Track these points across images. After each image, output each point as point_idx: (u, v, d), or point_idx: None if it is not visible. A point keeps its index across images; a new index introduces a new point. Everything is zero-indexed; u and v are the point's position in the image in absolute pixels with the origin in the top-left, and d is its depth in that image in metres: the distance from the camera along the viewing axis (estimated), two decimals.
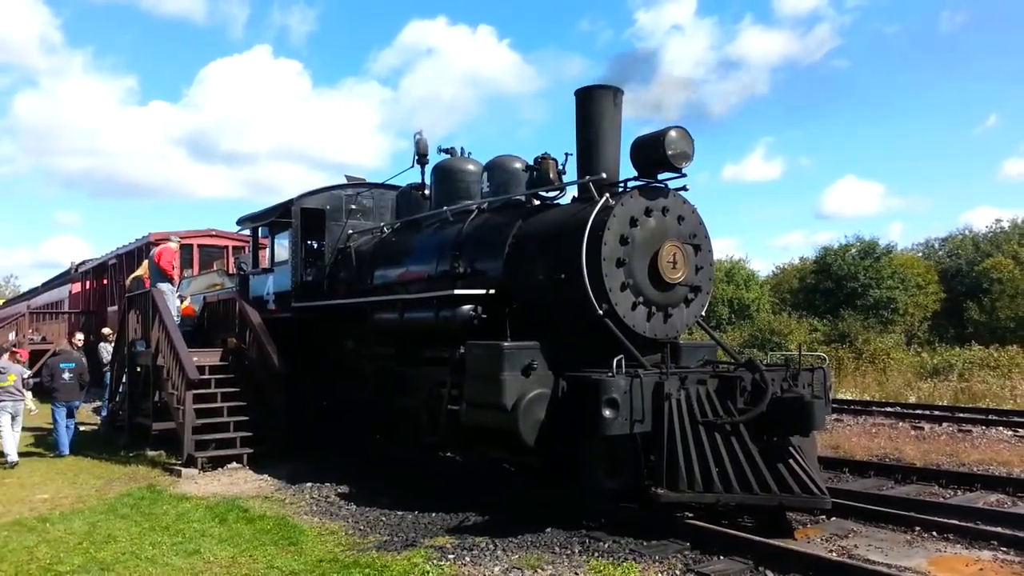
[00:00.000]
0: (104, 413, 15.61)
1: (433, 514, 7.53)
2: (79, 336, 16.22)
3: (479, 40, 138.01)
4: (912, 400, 17.54)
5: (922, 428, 12.83)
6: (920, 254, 48.14)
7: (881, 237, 44.48)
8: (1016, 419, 13.29)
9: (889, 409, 15.25)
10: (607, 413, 6.31)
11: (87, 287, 25.81)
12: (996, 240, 45.50)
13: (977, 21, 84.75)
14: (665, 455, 6.42)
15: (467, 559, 6.15)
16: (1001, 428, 12.58)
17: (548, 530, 6.80)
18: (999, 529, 6.58)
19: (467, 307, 8.11)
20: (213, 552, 6.55)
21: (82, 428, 14.99)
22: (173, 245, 13.45)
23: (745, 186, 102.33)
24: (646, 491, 6.56)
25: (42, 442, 13.20)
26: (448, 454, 10.03)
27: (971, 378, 19.92)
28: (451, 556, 6.21)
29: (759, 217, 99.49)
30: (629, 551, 6.24)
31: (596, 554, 6.20)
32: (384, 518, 7.54)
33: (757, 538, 6.18)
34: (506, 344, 7.07)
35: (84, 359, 13.14)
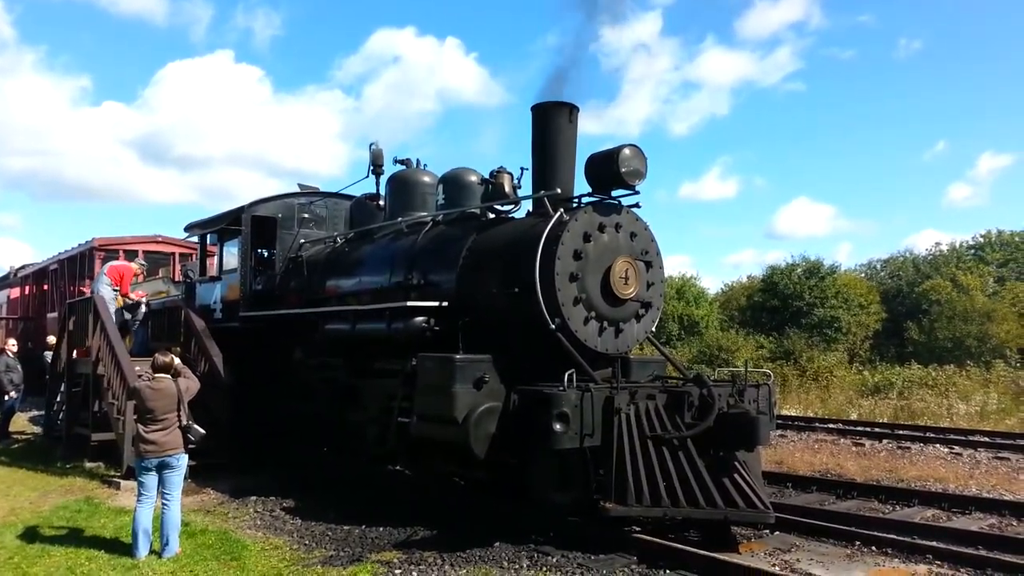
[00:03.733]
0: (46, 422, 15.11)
1: (380, 528, 7.45)
2: (12, 343, 15.70)
3: (446, 52, 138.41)
4: (854, 417, 17.97)
5: (863, 444, 13.15)
6: (863, 275, 49.52)
7: (830, 258, 45.59)
8: (952, 436, 13.74)
9: (831, 426, 15.60)
10: (558, 427, 6.33)
11: (27, 293, 24.99)
12: (935, 263, 47.12)
13: (932, 49, 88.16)
14: (614, 469, 6.47)
15: (414, 574, 6.10)
16: (938, 445, 12.97)
17: (496, 544, 6.78)
18: (934, 543, 6.78)
19: (419, 319, 8.08)
20: (152, 568, 6.38)
21: (18, 438, 14.52)
22: (135, 267, 13.80)
23: (701, 204, 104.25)
24: (595, 505, 6.60)
25: None
26: (397, 467, 9.94)
27: (910, 396, 20.48)
28: (398, 571, 6.16)
29: (712, 235, 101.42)
30: (577, 565, 6.26)
31: (544, 568, 6.21)
32: (330, 533, 7.44)
33: (703, 552, 6.25)
34: (458, 357, 7.05)
35: None
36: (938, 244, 50.07)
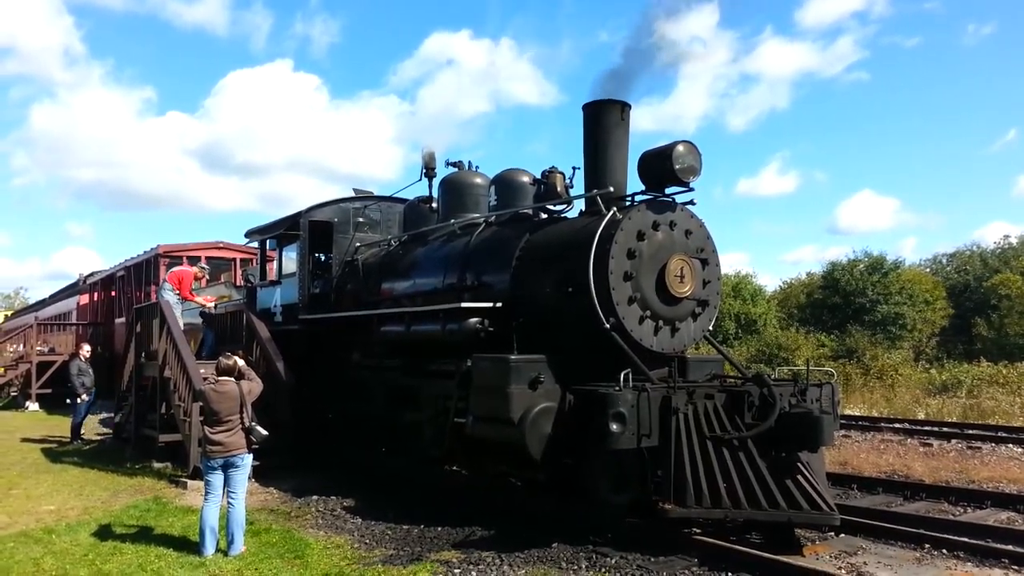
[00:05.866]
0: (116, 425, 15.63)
1: (439, 528, 7.51)
2: (86, 348, 16.29)
3: (501, 54, 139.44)
4: (921, 416, 17.43)
5: (931, 445, 12.75)
6: (928, 270, 48.01)
7: (894, 253, 44.40)
8: None
9: (897, 425, 15.16)
10: (614, 427, 6.29)
11: (95, 299, 25.95)
12: (1004, 256, 45.37)
13: (1004, 33, 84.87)
14: (673, 470, 6.39)
15: (473, 574, 6.13)
16: (1011, 445, 12.49)
17: (555, 545, 6.76)
18: (1010, 547, 6.53)
19: (474, 320, 8.10)
20: (219, 565, 6.54)
21: (90, 439, 15.04)
22: (196, 270, 13.83)
23: (759, 200, 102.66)
24: (653, 506, 6.53)
25: None
26: (454, 467, 10.00)
27: (980, 395, 19.79)
28: (457, 571, 6.19)
29: (771, 232, 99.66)
30: (636, 567, 6.21)
31: (603, 569, 6.18)
32: (390, 532, 7.52)
33: (766, 554, 6.14)
34: (513, 357, 7.05)
35: None
36: (1007, 237, 48.14)
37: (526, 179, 9.29)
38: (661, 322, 7.60)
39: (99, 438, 15.32)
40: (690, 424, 6.55)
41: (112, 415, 15.94)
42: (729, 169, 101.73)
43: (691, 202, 8.01)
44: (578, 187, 8.63)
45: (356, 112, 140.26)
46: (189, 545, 7.08)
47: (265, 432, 7.06)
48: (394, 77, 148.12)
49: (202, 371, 10.96)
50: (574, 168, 8.78)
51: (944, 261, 50.05)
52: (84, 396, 14.98)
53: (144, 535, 7.56)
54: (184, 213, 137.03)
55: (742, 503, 6.28)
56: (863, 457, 11.25)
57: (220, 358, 7.32)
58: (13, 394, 25.45)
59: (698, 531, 7.04)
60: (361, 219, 12.08)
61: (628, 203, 7.87)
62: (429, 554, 6.66)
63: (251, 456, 7.10)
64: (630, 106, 8.12)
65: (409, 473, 10.09)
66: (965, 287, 44.13)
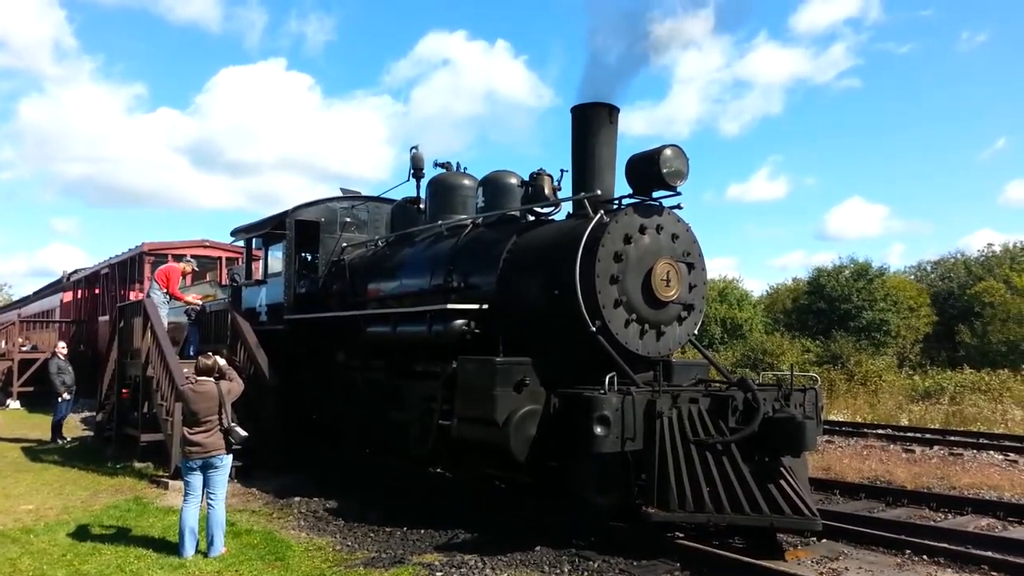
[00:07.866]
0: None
1: (422, 530, 7.48)
2: (62, 345, 16.12)
3: (496, 55, 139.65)
4: (904, 422, 17.53)
5: (913, 451, 12.82)
6: (912, 277, 48.40)
7: (883, 260, 44.82)
8: (1007, 443, 13.32)
9: (880, 431, 15.22)
10: (598, 430, 6.28)
11: (79, 296, 25.70)
12: (988, 264, 45.82)
13: (998, 41, 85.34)
14: (656, 474, 6.39)
15: None
16: (992, 452, 12.59)
17: (538, 548, 6.75)
18: (989, 553, 6.56)
19: (460, 322, 8.09)
20: (199, 566, 6.48)
21: (71, 437, 14.91)
22: (183, 265, 13.66)
23: (748, 205, 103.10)
24: (636, 510, 6.52)
25: None
26: (438, 469, 9.97)
27: (962, 401, 19.92)
28: (439, 574, 6.17)
29: (759, 237, 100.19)
30: (619, 571, 6.20)
31: (586, 573, 6.17)
32: (373, 534, 7.48)
33: (747, 559, 6.15)
34: (498, 359, 7.04)
35: None
36: (991, 245, 48.68)
37: (514, 181, 9.29)
38: (647, 325, 7.60)
39: (81, 437, 15.18)
40: (674, 428, 6.55)
41: (94, 413, 15.80)
42: (720, 174, 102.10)
43: (678, 206, 8.03)
44: (566, 190, 8.64)
45: (349, 111, 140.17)
46: (169, 546, 7.01)
47: (244, 433, 7.00)
48: (388, 77, 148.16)
49: (186, 370, 10.88)
50: (562, 171, 8.80)
51: (928, 268, 50.54)
52: (65, 395, 14.84)
53: (124, 535, 7.49)
54: (172, 210, 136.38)
55: (725, 507, 6.28)
56: (846, 463, 11.29)
57: (200, 358, 7.28)
58: None
59: (681, 535, 7.04)
60: (348, 219, 12.04)
61: (615, 206, 7.87)
62: (411, 556, 6.63)
63: (231, 457, 7.04)
64: (618, 109, 8.14)
65: (393, 474, 10.05)
66: (949, 294, 44.50)
